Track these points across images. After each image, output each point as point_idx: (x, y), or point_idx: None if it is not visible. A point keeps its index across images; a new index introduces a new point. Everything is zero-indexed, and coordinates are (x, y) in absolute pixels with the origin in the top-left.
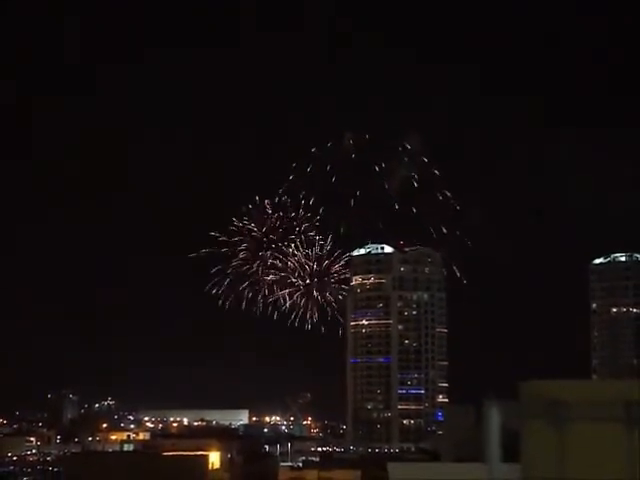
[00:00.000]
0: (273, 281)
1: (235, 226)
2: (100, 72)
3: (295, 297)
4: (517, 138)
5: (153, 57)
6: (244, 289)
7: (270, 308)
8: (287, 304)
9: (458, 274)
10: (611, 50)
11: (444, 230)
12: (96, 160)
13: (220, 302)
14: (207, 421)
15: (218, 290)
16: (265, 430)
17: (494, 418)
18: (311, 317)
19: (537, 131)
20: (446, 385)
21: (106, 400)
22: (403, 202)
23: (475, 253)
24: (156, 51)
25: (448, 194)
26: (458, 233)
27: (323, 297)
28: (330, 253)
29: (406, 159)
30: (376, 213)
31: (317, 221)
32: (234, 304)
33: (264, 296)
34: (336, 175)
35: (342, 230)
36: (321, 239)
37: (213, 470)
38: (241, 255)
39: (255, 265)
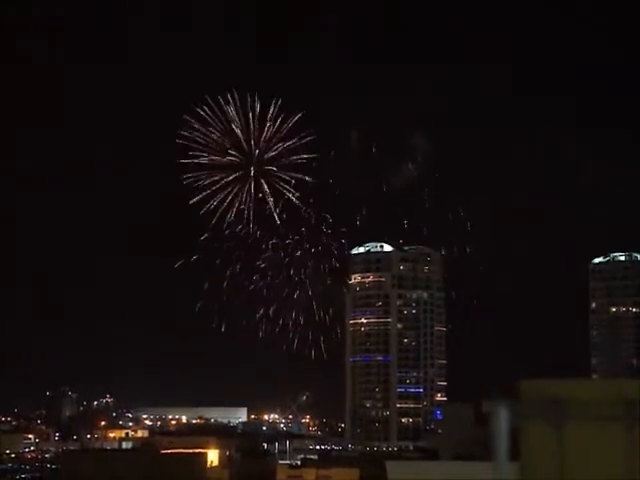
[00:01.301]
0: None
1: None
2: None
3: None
4: (517, 138)
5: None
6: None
7: (270, 326)
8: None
9: (465, 292)
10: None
11: (450, 243)
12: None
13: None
14: (206, 419)
15: (212, 306)
16: (264, 428)
17: (502, 417)
18: (312, 342)
19: (537, 131)
20: (445, 384)
21: (105, 398)
22: (405, 208)
23: (475, 253)
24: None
25: (460, 211)
26: (468, 250)
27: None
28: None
29: (411, 165)
30: (379, 214)
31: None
32: (230, 323)
33: (265, 315)
34: (340, 176)
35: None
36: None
37: (212, 467)
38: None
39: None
